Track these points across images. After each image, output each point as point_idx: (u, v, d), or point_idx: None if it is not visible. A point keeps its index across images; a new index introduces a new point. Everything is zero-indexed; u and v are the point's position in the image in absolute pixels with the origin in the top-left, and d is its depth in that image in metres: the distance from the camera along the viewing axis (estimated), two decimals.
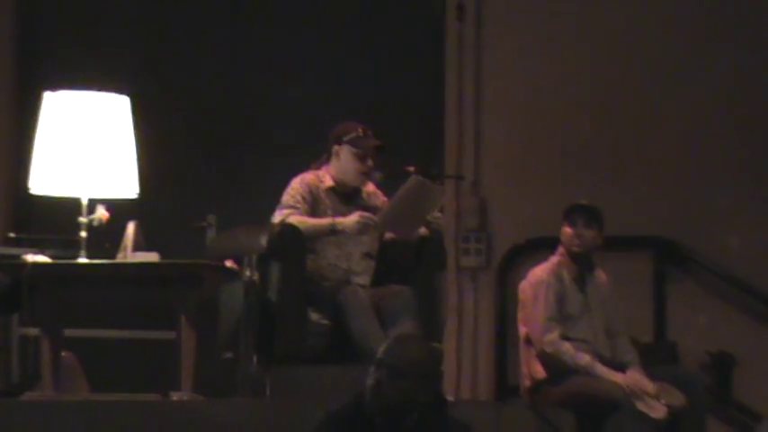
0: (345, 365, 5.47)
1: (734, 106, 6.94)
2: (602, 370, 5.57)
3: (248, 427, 5.22)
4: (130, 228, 5.68)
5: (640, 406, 5.43)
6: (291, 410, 5.06)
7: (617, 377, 5.56)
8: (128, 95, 5.82)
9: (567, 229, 5.74)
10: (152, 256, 5.60)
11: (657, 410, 5.45)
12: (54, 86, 5.77)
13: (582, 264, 5.77)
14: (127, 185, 5.77)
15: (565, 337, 5.63)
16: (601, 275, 5.86)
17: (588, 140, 7.06)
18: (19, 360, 6.01)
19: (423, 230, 5.71)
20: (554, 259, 5.77)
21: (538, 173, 7.05)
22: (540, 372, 5.67)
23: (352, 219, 5.62)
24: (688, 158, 6.97)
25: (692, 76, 6.97)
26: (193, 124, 7.45)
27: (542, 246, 6.14)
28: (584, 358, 5.57)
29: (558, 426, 5.42)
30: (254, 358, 5.55)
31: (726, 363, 6.63)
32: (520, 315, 5.80)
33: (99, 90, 5.77)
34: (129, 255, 5.63)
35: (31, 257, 5.58)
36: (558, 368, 5.61)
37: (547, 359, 5.62)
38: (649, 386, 5.52)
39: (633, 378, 5.54)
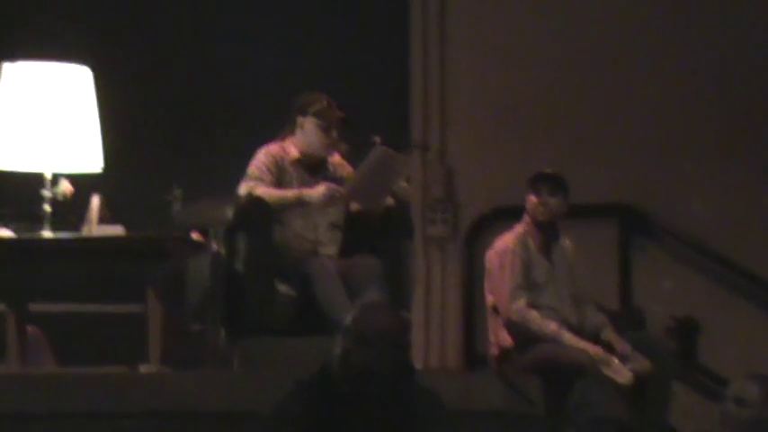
0: (313, 336, 5.47)
1: (699, 75, 6.96)
2: (568, 337, 5.60)
3: (216, 399, 5.22)
4: (95, 201, 5.66)
5: (606, 371, 5.47)
6: (259, 381, 5.07)
7: (583, 344, 5.59)
8: (90, 67, 5.77)
9: (533, 198, 5.76)
10: (117, 230, 5.59)
11: (623, 376, 5.49)
12: (13, 57, 5.71)
13: (547, 232, 5.79)
14: (91, 159, 5.73)
15: (532, 306, 5.65)
16: (566, 243, 5.89)
17: (554, 109, 7.07)
18: None
19: (389, 201, 5.72)
20: (520, 228, 5.78)
21: (504, 142, 7.05)
22: (507, 340, 5.70)
23: (319, 190, 5.61)
24: (653, 126, 6.99)
25: (659, 45, 6.99)
26: (158, 96, 7.41)
27: (509, 215, 6.15)
28: (551, 326, 5.60)
29: (526, 392, 5.45)
30: (222, 330, 5.55)
31: (691, 328, 6.68)
32: (486, 284, 5.82)
33: (60, 61, 5.72)
34: (94, 228, 5.61)
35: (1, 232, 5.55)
36: (525, 336, 5.63)
37: (514, 327, 5.65)
38: (625, 346, 5.56)
39: (599, 347, 5.57)
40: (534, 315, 5.62)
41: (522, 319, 5.62)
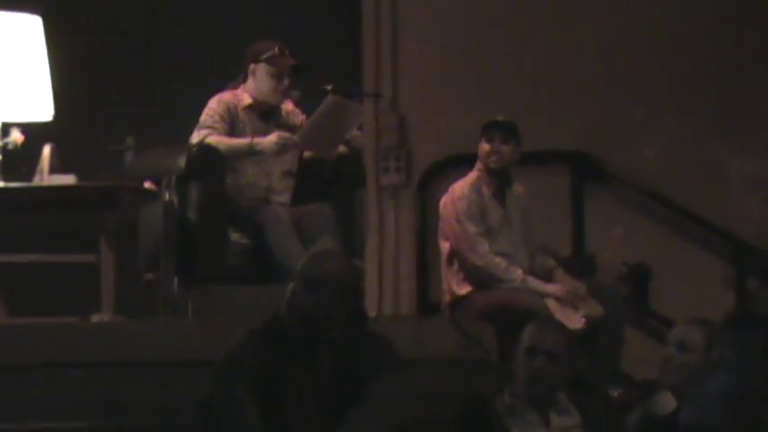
0: (266, 284, 5.48)
1: (650, 23, 6.97)
2: (534, 282, 5.64)
3: (170, 347, 5.22)
4: (46, 150, 5.63)
5: (558, 316, 5.51)
6: (212, 329, 5.07)
7: (549, 288, 5.63)
8: (40, 15, 5.72)
9: (485, 145, 5.77)
10: (69, 179, 5.56)
11: (575, 321, 5.53)
12: None
13: (500, 179, 5.81)
14: (41, 108, 5.69)
15: None
16: (519, 189, 5.92)
17: (506, 56, 7.06)
18: None
19: (341, 149, 5.72)
20: (473, 175, 5.80)
21: (457, 89, 7.04)
22: (460, 287, 5.72)
23: (271, 138, 5.61)
24: (605, 74, 7.00)
25: None
26: (110, 45, 7.35)
27: (462, 162, 6.15)
28: (517, 271, 5.63)
29: (479, 339, 5.48)
30: (175, 279, 5.55)
31: (643, 274, 6.72)
32: (441, 231, 5.84)
33: (9, 10, 5.66)
34: (46, 178, 5.58)
35: None
36: (479, 281, 5.65)
37: (478, 272, 5.65)
38: (579, 285, 5.61)
39: (564, 286, 5.61)
40: (499, 260, 5.64)
41: (488, 263, 5.63)
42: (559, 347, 4.52)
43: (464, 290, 5.71)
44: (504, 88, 6.96)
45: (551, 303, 5.59)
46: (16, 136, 5.61)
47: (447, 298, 5.80)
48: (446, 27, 7.09)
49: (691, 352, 4.07)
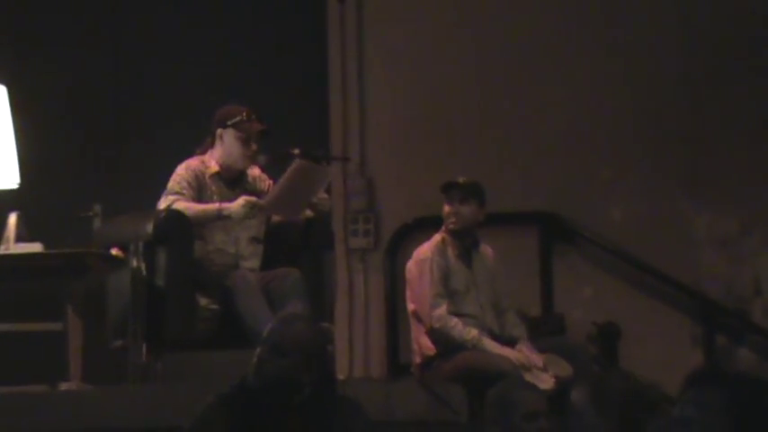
0: (236, 349, 5.46)
1: (614, 83, 7.05)
2: (490, 344, 5.63)
3: (138, 414, 5.19)
4: (12, 219, 5.61)
5: (528, 377, 5.51)
6: (181, 396, 5.04)
7: (505, 351, 5.62)
8: (5, 84, 5.73)
9: (446, 207, 5.80)
10: (35, 247, 5.53)
11: (545, 381, 5.53)
12: None
13: (465, 240, 5.82)
14: (7, 176, 5.68)
15: (453, 313, 5.68)
16: (487, 251, 5.93)
17: (473, 118, 7.12)
18: None
19: (308, 213, 5.72)
20: (437, 237, 5.82)
21: (424, 152, 7.09)
22: (429, 348, 5.72)
23: (238, 203, 5.61)
24: (571, 134, 7.06)
25: (575, 54, 7.06)
26: (74, 112, 7.34)
27: (430, 224, 6.18)
28: (472, 332, 5.63)
29: (449, 400, 5.47)
30: (144, 345, 5.52)
31: (612, 333, 6.75)
32: (408, 293, 5.85)
33: None
34: (12, 246, 5.55)
35: None
36: (447, 344, 5.66)
37: (436, 335, 5.67)
38: (538, 360, 5.60)
39: (522, 353, 5.61)
40: (455, 322, 5.64)
41: (444, 326, 5.64)
42: None
43: (432, 351, 5.71)
44: (471, 150, 7.02)
45: (521, 365, 5.58)
46: None
47: (417, 359, 5.80)
48: (413, 90, 7.15)
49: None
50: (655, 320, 6.85)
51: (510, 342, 5.73)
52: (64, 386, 5.39)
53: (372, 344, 7.01)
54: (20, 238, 5.56)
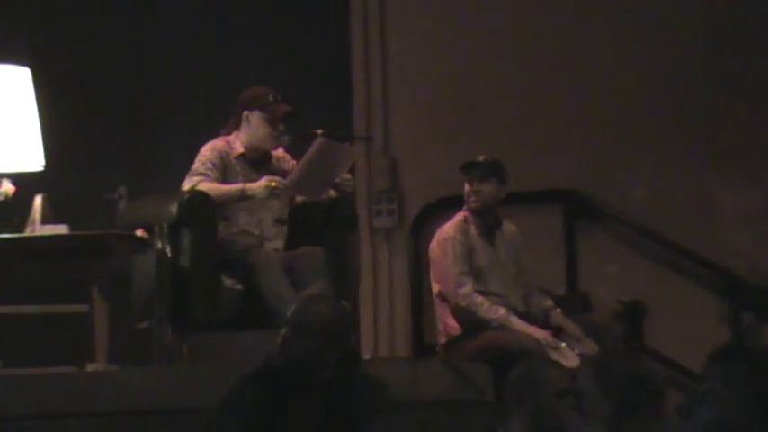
0: (260, 329, 5.48)
1: (636, 60, 7.02)
2: (517, 322, 5.62)
3: (164, 394, 5.21)
4: (37, 201, 5.63)
5: (554, 356, 5.50)
6: (206, 376, 5.06)
7: (531, 329, 5.62)
8: (28, 66, 5.74)
9: (466, 186, 5.79)
10: (61, 229, 5.56)
11: (570, 360, 5.52)
12: None
13: (487, 218, 5.80)
14: (32, 158, 5.71)
15: (477, 292, 5.67)
16: (510, 228, 5.91)
17: (495, 97, 7.10)
18: None
19: (331, 193, 5.72)
20: (460, 215, 5.81)
21: (447, 131, 7.08)
22: (454, 328, 5.72)
23: (261, 183, 5.62)
24: (594, 111, 7.04)
25: (597, 32, 7.04)
26: (99, 94, 7.36)
27: (454, 204, 6.17)
28: (499, 311, 5.62)
29: (474, 379, 5.47)
30: (169, 326, 5.54)
31: (637, 311, 6.73)
32: (432, 273, 5.84)
33: None
34: (38, 228, 5.57)
35: None
36: (472, 322, 5.65)
37: (461, 313, 5.66)
38: (574, 328, 5.60)
39: (546, 331, 5.61)
40: (482, 300, 5.63)
41: (471, 303, 5.63)
42: None
43: (458, 330, 5.71)
44: (494, 129, 7.00)
45: (546, 342, 5.58)
46: (7, 187, 5.61)
47: (442, 339, 5.79)
48: (436, 70, 7.14)
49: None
50: (680, 298, 6.83)
51: (538, 318, 5.72)
52: (90, 367, 5.42)
53: (397, 323, 7.02)
54: (45, 220, 5.59)
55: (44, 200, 5.63)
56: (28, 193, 5.66)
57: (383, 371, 4.67)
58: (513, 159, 6.09)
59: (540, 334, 5.59)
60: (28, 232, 5.57)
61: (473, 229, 5.76)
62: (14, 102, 5.64)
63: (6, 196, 5.60)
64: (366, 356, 6.20)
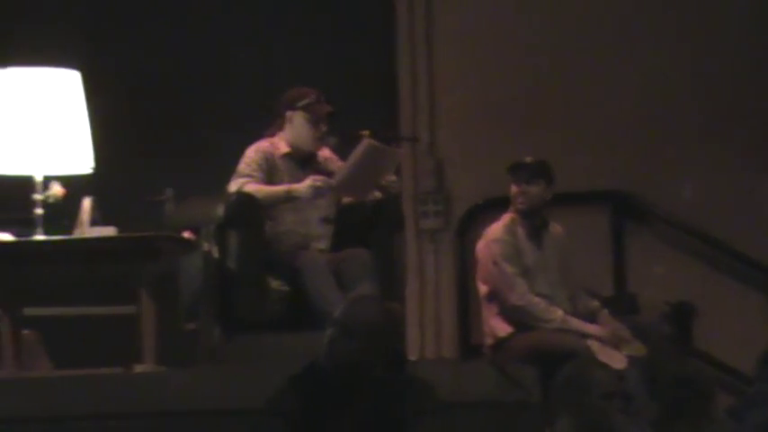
0: (306, 331, 5.49)
1: (681, 61, 6.98)
2: (575, 323, 5.61)
3: (211, 395, 5.24)
4: (86, 203, 5.68)
5: (601, 357, 5.47)
6: (252, 377, 5.08)
7: (590, 328, 5.60)
8: (78, 70, 5.79)
9: (513, 187, 5.77)
10: (109, 231, 5.60)
11: (618, 361, 5.49)
12: (3, 63, 5.74)
13: (534, 220, 5.79)
14: (81, 161, 5.75)
15: None
16: (556, 230, 5.89)
17: (542, 98, 7.08)
18: None
19: (376, 194, 5.73)
20: (507, 217, 5.79)
21: (493, 132, 7.06)
22: (501, 329, 5.70)
23: (306, 184, 5.64)
24: (640, 112, 7.01)
25: (643, 35, 7.01)
26: (147, 97, 7.42)
27: (500, 205, 6.15)
28: (557, 311, 5.60)
29: (520, 380, 5.45)
30: (216, 327, 5.57)
31: (685, 312, 6.68)
32: (478, 274, 5.83)
33: (49, 66, 5.74)
34: (87, 230, 5.62)
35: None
36: (525, 323, 5.63)
37: (517, 313, 5.63)
38: (623, 330, 5.58)
39: (605, 328, 5.58)
40: (538, 300, 5.62)
41: (527, 303, 5.61)
42: None
43: (505, 332, 5.69)
44: (540, 129, 6.98)
45: (594, 344, 5.56)
46: (57, 189, 5.66)
47: (488, 340, 5.78)
48: (482, 70, 7.13)
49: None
50: (728, 299, 6.78)
51: (584, 319, 5.69)
52: (138, 368, 5.46)
53: (443, 325, 7.01)
54: (94, 222, 5.63)
55: (93, 202, 5.68)
56: (77, 195, 5.71)
57: (429, 372, 4.66)
58: (561, 160, 6.07)
59: (600, 332, 5.57)
60: (77, 234, 5.61)
61: (520, 231, 5.74)
62: (65, 105, 5.69)
63: (56, 199, 5.65)
64: (412, 358, 6.20)
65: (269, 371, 4.87)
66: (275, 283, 5.62)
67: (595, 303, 5.82)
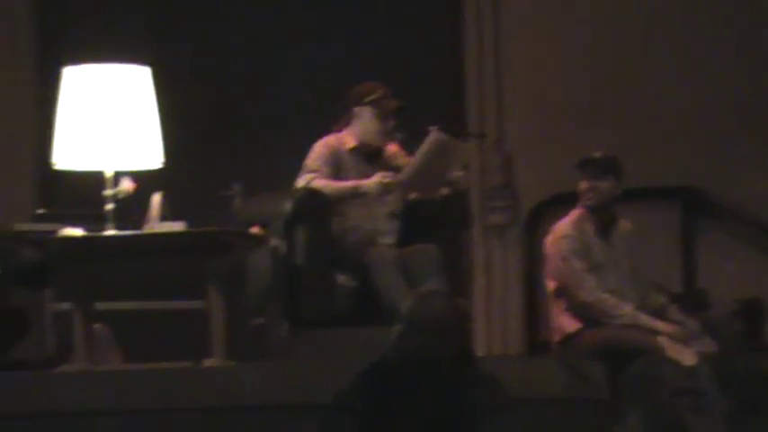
0: (374, 326, 5.49)
1: (750, 56, 6.91)
2: (645, 319, 5.57)
3: (279, 390, 5.26)
4: (156, 198, 5.72)
5: (671, 353, 5.43)
6: (320, 372, 5.10)
7: (660, 325, 5.56)
8: (149, 66, 5.84)
9: (582, 183, 5.73)
10: (178, 226, 5.64)
11: (689, 357, 5.45)
12: (75, 60, 5.80)
13: (603, 216, 5.75)
14: (151, 156, 5.80)
15: None
16: (625, 226, 5.85)
17: (610, 93, 7.05)
18: (53, 334, 6.07)
19: (444, 190, 5.72)
20: (575, 213, 5.76)
21: (561, 127, 7.04)
22: (568, 325, 5.68)
23: (374, 180, 5.64)
24: (709, 106, 6.95)
25: (715, 28, 6.94)
26: (216, 93, 7.47)
27: (568, 201, 6.11)
28: (627, 307, 5.57)
29: (589, 377, 5.42)
30: (284, 323, 5.59)
31: (756, 309, 6.62)
32: (546, 270, 5.81)
33: (120, 62, 5.79)
34: (156, 225, 5.67)
35: (68, 231, 5.62)
36: (594, 318, 5.60)
37: (585, 310, 5.59)
38: (693, 324, 5.53)
39: (675, 325, 5.55)
40: (607, 296, 5.58)
41: (598, 299, 5.58)
42: None
43: (573, 327, 5.66)
44: (609, 125, 6.95)
45: (663, 340, 5.52)
46: (127, 184, 5.71)
47: (556, 336, 5.75)
48: (550, 66, 7.10)
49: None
50: None
51: (653, 315, 5.65)
52: (207, 363, 5.49)
53: (510, 320, 7.00)
54: (163, 217, 5.68)
55: (162, 197, 5.72)
56: (146, 190, 5.76)
57: (497, 368, 4.64)
58: (630, 155, 6.03)
59: (669, 329, 5.52)
60: (146, 229, 5.66)
61: (589, 227, 5.71)
62: (135, 101, 5.74)
63: (126, 194, 5.70)
64: (479, 354, 6.19)
65: (337, 366, 4.88)
66: (343, 279, 5.63)
67: (665, 300, 5.77)
